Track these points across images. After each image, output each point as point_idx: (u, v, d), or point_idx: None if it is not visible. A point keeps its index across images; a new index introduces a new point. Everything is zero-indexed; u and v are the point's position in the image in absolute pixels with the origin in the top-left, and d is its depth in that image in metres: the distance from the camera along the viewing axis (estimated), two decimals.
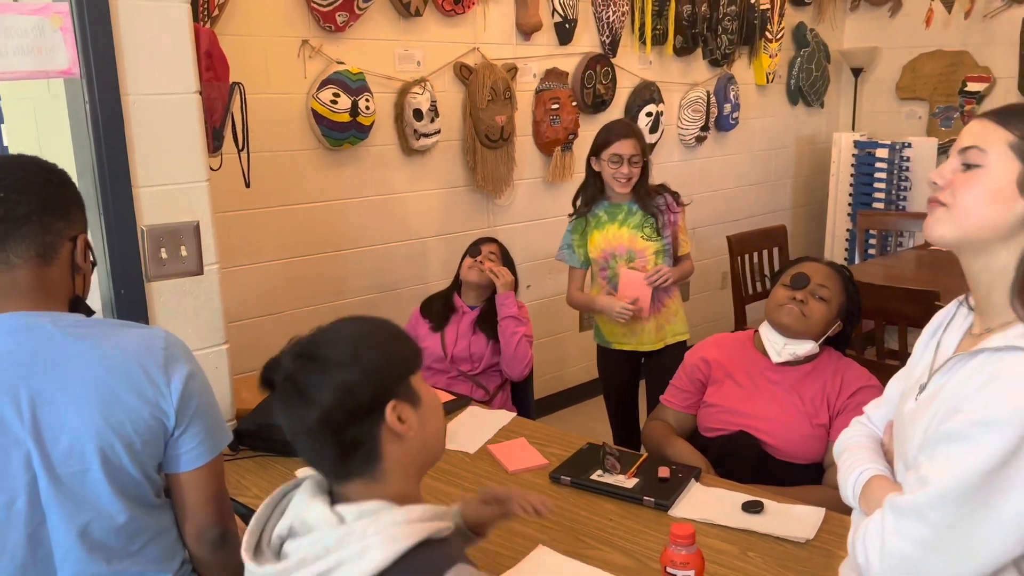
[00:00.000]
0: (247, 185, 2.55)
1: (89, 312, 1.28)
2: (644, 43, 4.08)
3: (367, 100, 3.04)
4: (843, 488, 1.14)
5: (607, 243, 2.72)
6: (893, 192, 4.92)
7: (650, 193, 2.69)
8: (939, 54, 5.00)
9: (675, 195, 2.75)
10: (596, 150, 2.68)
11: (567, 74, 3.80)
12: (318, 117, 2.98)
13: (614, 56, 3.97)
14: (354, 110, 3.01)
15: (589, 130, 3.94)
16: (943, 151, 4.97)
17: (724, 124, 4.62)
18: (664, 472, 1.78)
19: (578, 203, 2.80)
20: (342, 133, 3.03)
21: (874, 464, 1.12)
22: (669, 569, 1.25)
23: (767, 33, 4.75)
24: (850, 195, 5.05)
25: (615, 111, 4.06)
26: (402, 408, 1.00)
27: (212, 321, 1.99)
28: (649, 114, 4.13)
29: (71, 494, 1.15)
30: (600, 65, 3.89)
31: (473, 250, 2.69)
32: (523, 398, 2.75)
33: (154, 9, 1.80)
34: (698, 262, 4.66)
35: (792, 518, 1.63)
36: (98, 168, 1.76)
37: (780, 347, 1.93)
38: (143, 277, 1.86)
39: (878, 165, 4.92)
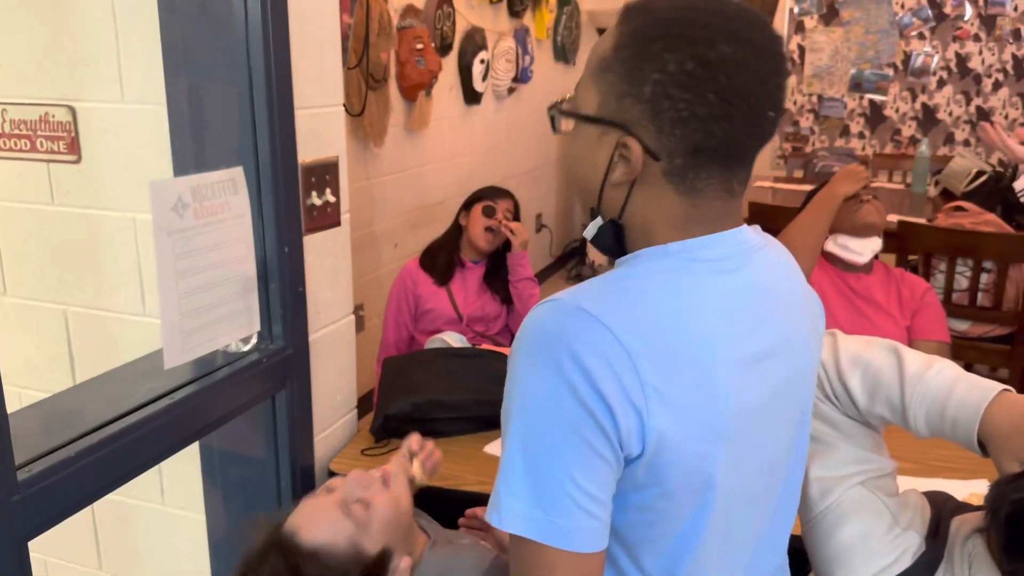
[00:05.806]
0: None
1: None
2: None
3: None
4: None
5: None
6: None
7: None
8: None
9: None
10: None
11: (421, 12, 3.56)
12: None
13: None
14: None
15: (444, 74, 3.75)
16: None
17: (524, 76, 4.71)
18: None
19: None
20: None
21: None
22: None
23: None
24: None
25: (453, 55, 3.91)
26: None
27: (345, 285, 1.58)
28: (482, 61, 4.06)
29: None
30: (445, 5, 3.71)
31: (488, 209, 2.43)
32: None
33: None
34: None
35: None
36: (265, 82, 1.28)
37: (863, 248, 2.11)
38: (301, 229, 1.41)
39: None
